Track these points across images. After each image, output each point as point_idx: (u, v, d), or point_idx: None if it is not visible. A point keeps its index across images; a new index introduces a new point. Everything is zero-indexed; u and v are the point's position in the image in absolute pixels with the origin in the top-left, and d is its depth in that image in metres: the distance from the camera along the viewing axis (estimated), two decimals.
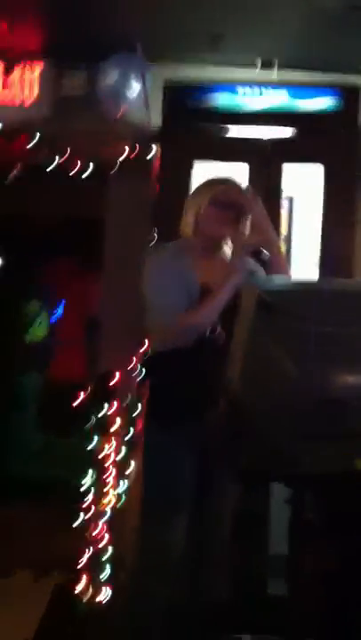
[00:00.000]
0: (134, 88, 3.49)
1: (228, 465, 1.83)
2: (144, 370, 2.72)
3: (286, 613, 1.81)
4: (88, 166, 3.66)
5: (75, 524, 3.20)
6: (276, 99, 3.52)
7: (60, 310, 5.78)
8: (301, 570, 1.82)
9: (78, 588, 2.87)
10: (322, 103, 3.49)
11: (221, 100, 3.59)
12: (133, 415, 3.44)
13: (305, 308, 1.61)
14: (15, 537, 3.43)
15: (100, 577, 3.00)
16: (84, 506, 3.31)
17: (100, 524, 3.31)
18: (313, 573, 1.91)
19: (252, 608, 2.89)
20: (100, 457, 3.41)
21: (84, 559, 3.14)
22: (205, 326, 2.29)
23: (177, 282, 2.33)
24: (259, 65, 3.58)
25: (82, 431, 3.58)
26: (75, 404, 3.61)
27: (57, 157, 3.63)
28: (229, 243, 2.42)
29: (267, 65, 3.56)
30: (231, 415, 1.74)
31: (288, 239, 3.78)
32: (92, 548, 3.22)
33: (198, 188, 2.49)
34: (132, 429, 3.44)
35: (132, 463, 3.42)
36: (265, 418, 1.63)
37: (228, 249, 2.44)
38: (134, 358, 3.47)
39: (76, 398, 3.71)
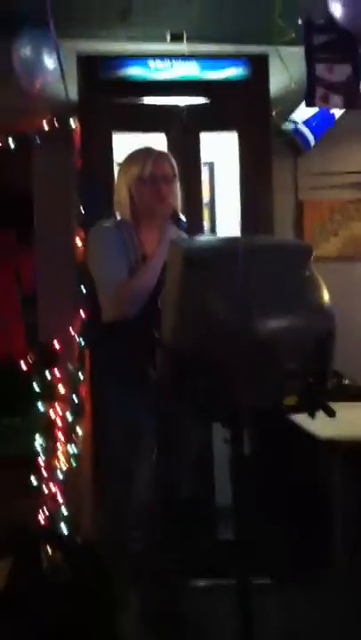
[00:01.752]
0: (49, 62, 3.52)
1: (177, 409, 1.95)
2: (92, 339, 2.80)
3: (236, 555, 1.89)
4: (8, 142, 3.71)
5: (30, 488, 3.31)
6: (187, 70, 3.60)
7: None
8: (245, 507, 1.98)
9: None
10: (232, 72, 3.57)
11: (134, 71, 3.66)
12: (76, 382, 3.57)
13: (228, 261, 1.76)
14: None
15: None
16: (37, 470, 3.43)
17: (53, 486, 3.45)
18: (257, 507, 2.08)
19: (204, 554, 3.08)
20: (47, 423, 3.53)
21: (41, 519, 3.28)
22: (146, 292, 2.36)
23: (119, 254, 2.42)
24: (168, 38, 3.68)
25: (28, 406, 3.69)
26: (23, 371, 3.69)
27: None
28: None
29: (176, 38, 3.66)
30: (170, 365, 1.88)
31: (211, 203, 3.90)
32: (46, 510, 3.37)
33: (124, 164, 2.55)
34: (74, 396, 3.57)
35: (78, 428, 3.56)
36: (204, 363, 1.77)
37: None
38: (72, 328, 3.59)
39: (19, 374, 3.81)
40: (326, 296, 1.81)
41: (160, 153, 2.55)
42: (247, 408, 1.79)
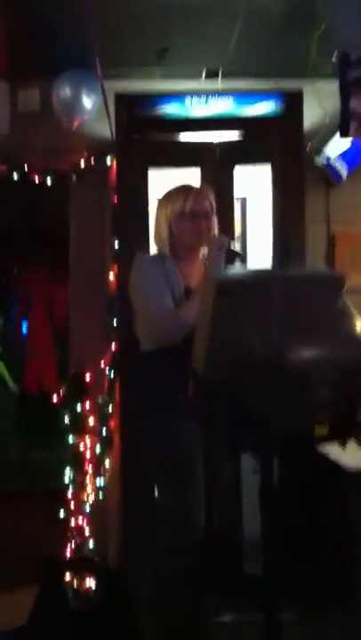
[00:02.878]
0: (87, 102, 3.61)
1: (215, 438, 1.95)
2: (133, 368, 2.80)
3: (264, 589, 1.88)
4: (46, 179, 3.79)
5: (59, 519, 3.29)
6: (222, 106, 3.66)
7: (28, 321, 5.87)
8: (275, 538, 1.95)
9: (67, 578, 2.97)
10: (266, 108, 3.62)
11: (171, 109, 3.73)
12: (106, 414, 3.57)
13: (260, 291, 1.77)
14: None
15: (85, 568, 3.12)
16: (65, 502, 3.42)
17: (81, 518, 3.43)
18: (285, 541, 2.05)
19: (232, 589, 3.03)
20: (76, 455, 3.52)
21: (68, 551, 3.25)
22: (190, 323, 2.35)
23: (164, 285, 2.48)
24: (203, 75, 3.76)
25: (58, 439, 3.70)
26: (53, 404, 3.70)
27: (14, 173, 3.75)
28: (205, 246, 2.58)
29: (211, 74, 3.73)
30: (203, 395, 1.89)
31: (243, 238, 3.95)
32: (74, 542, 3.34)
33: (164, 201, 2.61)
34: (104, 428, 3.57)
35: (107, 461, 3.55)
36: (235, 393, 1.77)
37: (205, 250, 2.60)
38: (102, 361, 3.61)
39: (51, 407, 3.82)
40: (358, 326, 1.80)
41: (200, 190, 2.61)
42: (277, 437, 1.77)
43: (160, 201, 2.66)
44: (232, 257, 2.53)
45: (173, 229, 2.54)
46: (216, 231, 2.61)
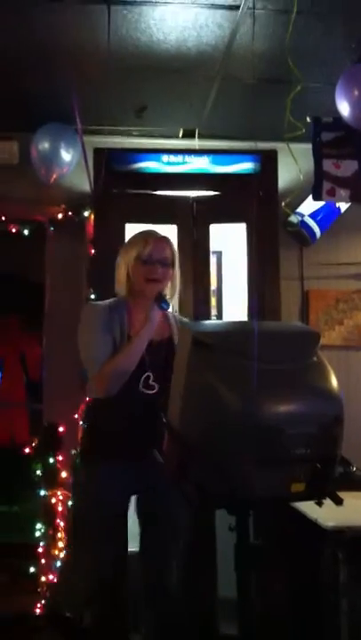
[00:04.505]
0: (66, 156, 3.67)
1: (181, 495, 1.93)
2: (85, 415, 2.79)
3: None
4: (24, 230, 3.81)
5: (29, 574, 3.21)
6: (199, 164, 3.74)
7: (2, 371, 5.79)
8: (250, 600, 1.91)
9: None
10: (242, 167, 3.72)
11: (147, 165, 3.80)
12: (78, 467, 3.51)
13: (238, 345, 1.78)
14: None
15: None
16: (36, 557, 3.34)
17: (51, 574, 3.34)
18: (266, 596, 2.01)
19: None
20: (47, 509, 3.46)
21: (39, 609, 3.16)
22: (127, 369, 2.39)
23: (105, 334, 2.44)
24: (180, 134, 3.86)
25: (28, 494, 3.62)
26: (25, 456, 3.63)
27: None
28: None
29: (188, 135, 3.83)
30: (176, 449, 1.87)
31: (218, 291, 3.98)
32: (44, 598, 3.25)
33: (127, 244, 2.61)
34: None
35: None
36: (209, 448, 1.75)
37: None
38: (76, 412, 3.57)
39: (23, 459, 3.75)
40: (334, 382, 1.81)
41: (161, 237, 2.60)
42: (254, 495, 1.76)
43: (123, 245, 2.66)
44: (158, 302, 2.48)
45: (130, 273, 2.53)
46: (177, 282, 2.60)
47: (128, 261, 2.53)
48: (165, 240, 2.58)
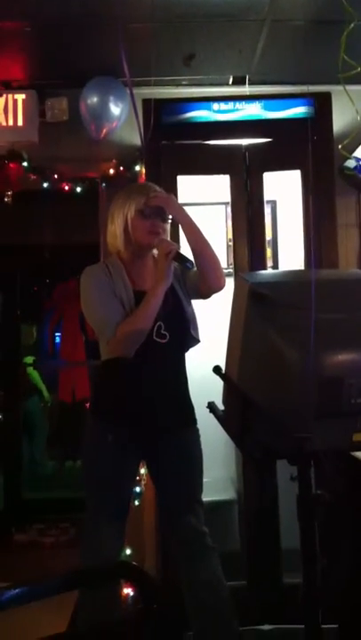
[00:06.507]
0: (115, 110, 3.62)
1: (243, 452, 1.92)
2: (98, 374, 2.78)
3: (303, 600, 1.85)
4: (76, 189, 3.80)
5: None
6: (250, 110, 3.64)
7: (62, 331, 5.89)
8: (314, 550, 1.90)
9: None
10: (295, 112, 3.60)
11: (197, 114, 3.72)
12: None
13: (296, 295, 1.74)
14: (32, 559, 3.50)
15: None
16: None
17: None
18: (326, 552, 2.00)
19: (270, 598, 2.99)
20: None
21: None
22: (144, 330, 2.40)
23: (111, 295, 2.44)
24: (230, 81, 3.75)
25: None
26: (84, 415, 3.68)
27: (44, 183, 3.77)
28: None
29: (238, 81, 3.72)
30: (237, 403, 1.86)
31: (274, 241, 3.91)
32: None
33: (123, 198, 2.55)
34: None
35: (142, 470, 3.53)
36: (270, 400, 1.74)
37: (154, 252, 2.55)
38: None
39: (84, 416, 3.79)
40: None
41: (160, 191, 2.57)
42: (315, 446, 1.74)
43: (117, 199, 2.58)
44: (182, 262, 2.46)
45: (129, 227, 2.49)
46: (167, 237, 2.56)
47: (127, 214, 2.49)
48: (163, 193, 2.56)
